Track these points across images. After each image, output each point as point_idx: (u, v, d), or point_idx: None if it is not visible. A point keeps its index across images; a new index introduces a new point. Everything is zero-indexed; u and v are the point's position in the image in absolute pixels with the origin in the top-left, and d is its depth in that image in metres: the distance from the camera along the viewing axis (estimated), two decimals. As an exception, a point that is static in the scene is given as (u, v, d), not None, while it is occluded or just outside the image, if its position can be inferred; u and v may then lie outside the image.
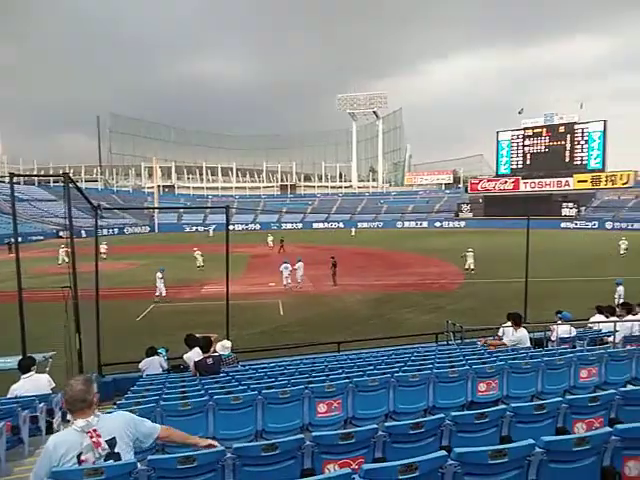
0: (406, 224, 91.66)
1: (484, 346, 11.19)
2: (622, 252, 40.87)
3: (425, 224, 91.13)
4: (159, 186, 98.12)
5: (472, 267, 33.76)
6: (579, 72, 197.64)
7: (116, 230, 78.23)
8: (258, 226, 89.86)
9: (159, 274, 26.76)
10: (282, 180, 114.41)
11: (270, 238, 53.54)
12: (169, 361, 12.03)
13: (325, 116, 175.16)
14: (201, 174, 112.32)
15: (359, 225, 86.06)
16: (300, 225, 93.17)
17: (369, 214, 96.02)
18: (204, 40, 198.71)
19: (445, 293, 26.86)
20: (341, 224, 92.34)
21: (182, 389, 8.01)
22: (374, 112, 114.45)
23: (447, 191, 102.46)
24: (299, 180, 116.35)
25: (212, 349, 9.55)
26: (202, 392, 7.31)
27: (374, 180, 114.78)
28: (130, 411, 4.04)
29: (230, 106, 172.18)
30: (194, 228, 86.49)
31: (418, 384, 7.17)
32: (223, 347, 10.50)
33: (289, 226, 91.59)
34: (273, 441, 4.08)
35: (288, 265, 29.89)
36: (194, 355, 9.59)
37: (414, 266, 37.95)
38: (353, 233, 73.30)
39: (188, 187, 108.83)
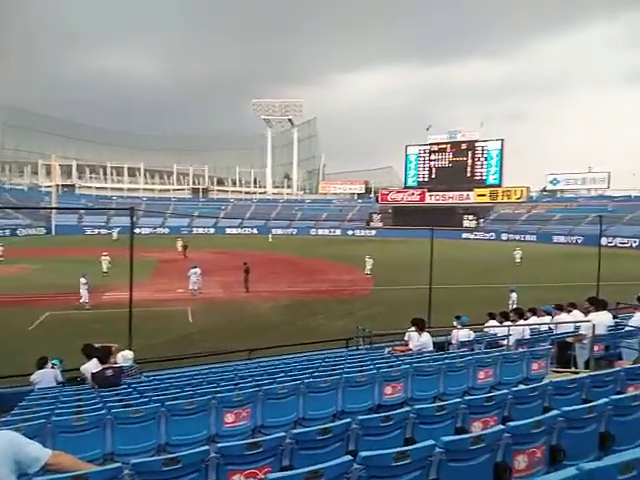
0: (320, 231, 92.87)
1: (392, 354, 11.51)
2: (517, 261, 43.06)
3: (338, 232, 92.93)
4: (58, 185, 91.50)
5: (369, 272, 35.71)
6: (480, 91, 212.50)
7: (7, 231, 71.84)
8: (167, 230, 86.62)
9: (83, 279, 25.18)
10: (194, 183, 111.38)
11: (180, 243, 51.91)
12: (65, 373, 11.16)
13: (241, 120, 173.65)
14: (105, 174, 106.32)
15: (273, 231, 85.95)
16: (212, 230, 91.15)
17: (284, 220, 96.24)
18: (118, 35, 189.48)
19: (356, 299, 27.50)
20: (255, 230, 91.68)
21: (77, 403, 7.45)
22: (289, 119, 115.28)
23: (359, 201, 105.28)
24: (212, 184, 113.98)
25: (112, 360, 9.00)
26: (100, 406, 6.84)
27: (289, 187, 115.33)
28: (16, 429, 3.65)
29: (143, 105, 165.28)
30: (96, 231, 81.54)
31: (328, 389, 7.21)
32: (124, 358, 9.94)
33: (201, 231, 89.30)
34: (175, 455, 3.88)
35: (197, 270, 29.12)
36: (92, 366, 8.98)
37: (327, 273, 38.51)
38: (270, 239, 73.00)
39: (90, 187, 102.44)
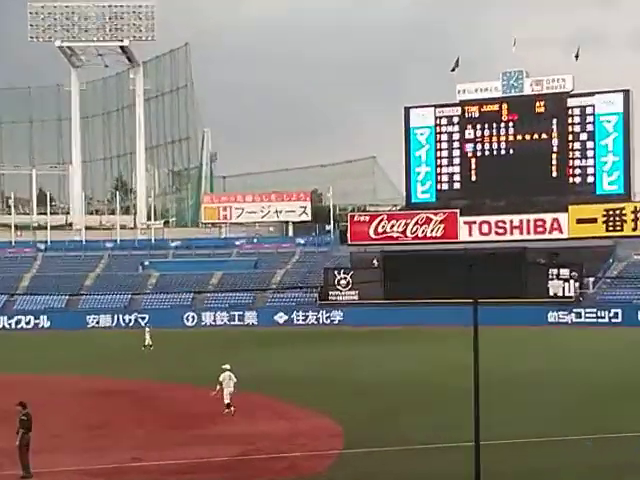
0: (206, 317, 42.41)
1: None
2: None
3: (253, 318, 42.04)
4: None
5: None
6: None
7: None
8: None
9: None
10: None
11: None
12: None
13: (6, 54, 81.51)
14: None
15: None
16: None
17: (116, 294, 40.58)
18: None
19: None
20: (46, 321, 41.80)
21: None
22: (122, 49, 52.87)
23: (300, 240, 48.11)
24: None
25: None
26: None
27: (125, 212, 52.79)
28: None
29: None
30: None
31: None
32: None
33: None
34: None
35: None
36: None
37: (224, 420, 15.24)
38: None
39: None
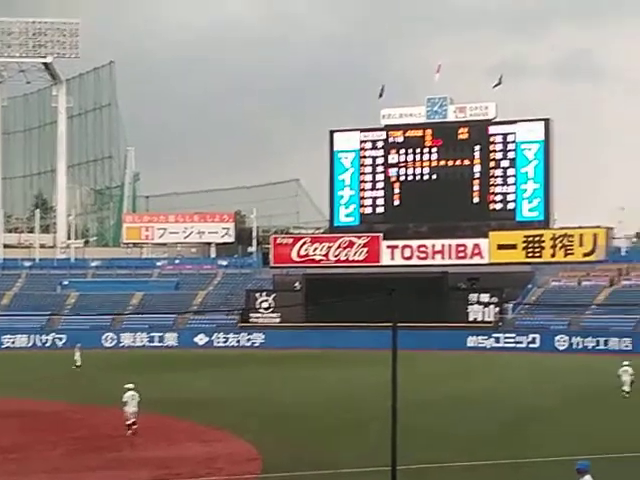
0: (124, 338, 41.34)
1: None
2: (625, 390, 20.82)
3: (172, 339, 41.30)
4: None
5: None
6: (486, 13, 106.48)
7: None
8: None
9: None
10: None
11: None
12: None
13: None
14: None
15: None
16: None
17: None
18: None
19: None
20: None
21: None
22: (45, 66, 50.75)
23: (222, 262, 47.30)
24: None
25: None
26: None
27: (45, 230, 51.23)
28: None
29: None
30: None
31: None
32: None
33: None
34: None
35: None
36: None
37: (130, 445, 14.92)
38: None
39: None
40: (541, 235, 42.39)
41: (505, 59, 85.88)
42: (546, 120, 42.23)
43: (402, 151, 42.74)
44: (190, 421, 16.67)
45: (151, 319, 41.93)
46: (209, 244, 47.10)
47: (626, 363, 20.58)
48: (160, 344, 40.51)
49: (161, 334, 41.01)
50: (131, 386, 14.75)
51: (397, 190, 43.01)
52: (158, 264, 47.82)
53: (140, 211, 52.10)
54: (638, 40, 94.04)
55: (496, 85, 42.78)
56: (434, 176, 42.57)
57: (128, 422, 14.26)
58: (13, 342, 40.79)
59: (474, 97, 43.43)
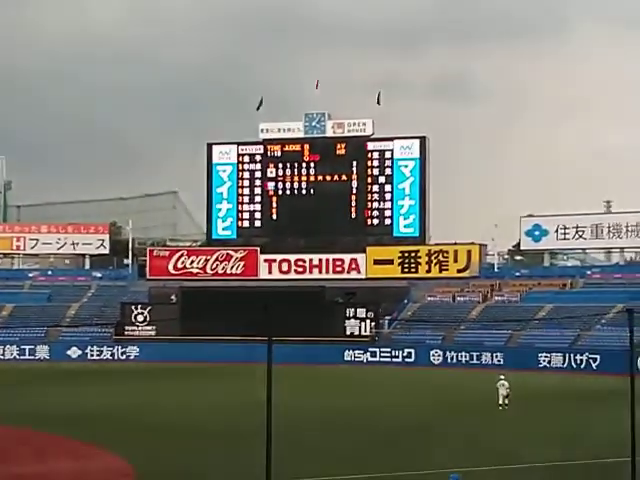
0: (10, 352, 39.58)
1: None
2: (501, 404, 21.17)
3: (45, 353, 39.77)
4: None
5: None
6: (367, 30, 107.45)
7: None
8: None
9: None
10: None
11: None
12: None
13: None
14: None
15: None
16: None
17: None
18: None
19: None
20: None
21: None
22: None
23: (97, 273, 46.37)
24: None
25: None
26: None
27: None
28: None
29: None
30: None
31: None
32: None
33: None
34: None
35: None
36: None
37: None
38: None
39: None
40: (417, 251, 42.83)
41: (385, 77, 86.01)
42: (422, 138, 42.92)
43: (280, 165, 42.71)
44: (63, 436, 16.12)
45: (22, 332, 40.14)
46: (83, 255, 45.76)
47: (502, 377, 21.06)
48: (31, 357, 38.89)
49: (32, 347, 39.36)
50: None
51: (275, 204, 42.87)
52: (30, 275, 46.22)
53: (11, 221, 50.41)
54: (506, 62, 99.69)
55: (377, 102, 43.28)
56: (312, 191, 42.61)
57: None
58: None
59: (354, 113, 43.51)
